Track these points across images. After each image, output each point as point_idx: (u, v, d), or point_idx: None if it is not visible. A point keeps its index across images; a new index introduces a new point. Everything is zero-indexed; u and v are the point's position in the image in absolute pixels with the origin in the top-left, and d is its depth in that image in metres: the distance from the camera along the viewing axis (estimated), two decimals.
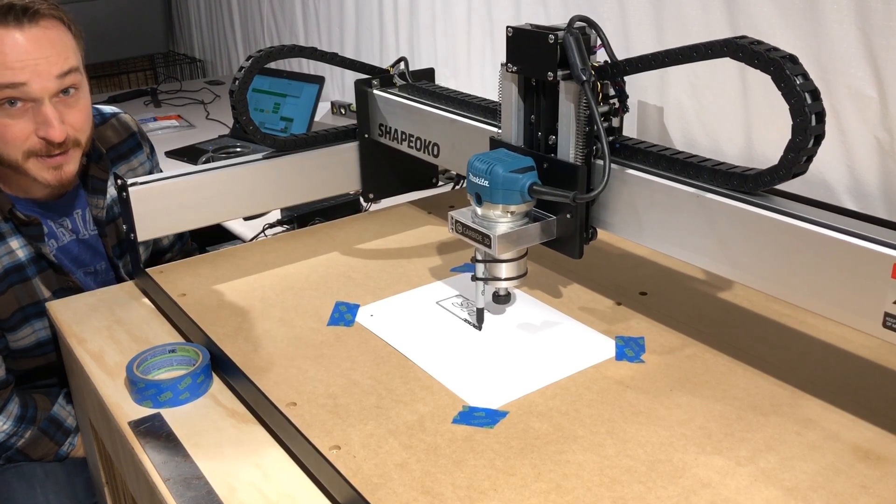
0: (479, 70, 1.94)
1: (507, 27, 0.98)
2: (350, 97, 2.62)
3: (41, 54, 1.14)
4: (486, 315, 1.05)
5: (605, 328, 1.03)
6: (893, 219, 0.80)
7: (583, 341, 1.01)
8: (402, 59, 1.37)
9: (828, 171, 1.19)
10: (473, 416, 0.86)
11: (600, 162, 0.94)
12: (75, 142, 1.21)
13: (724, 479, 0.76)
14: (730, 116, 1.32)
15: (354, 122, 1.38)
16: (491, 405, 0.88)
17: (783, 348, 0.97)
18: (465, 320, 1.06)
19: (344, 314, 1.08)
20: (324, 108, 2.48)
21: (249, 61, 1.20)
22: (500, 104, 1.05)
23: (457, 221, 1.01)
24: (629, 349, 0.98)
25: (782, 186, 0.84)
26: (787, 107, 0.76)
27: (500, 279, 1.01)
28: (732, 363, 0.95)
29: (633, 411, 0.86)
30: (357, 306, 1.10)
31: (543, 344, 1.00)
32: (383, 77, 1.36)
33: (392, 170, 1.41)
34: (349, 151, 1.37)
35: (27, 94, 1.14)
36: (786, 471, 0.77)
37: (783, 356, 0.96)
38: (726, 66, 1.29)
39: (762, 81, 1.24)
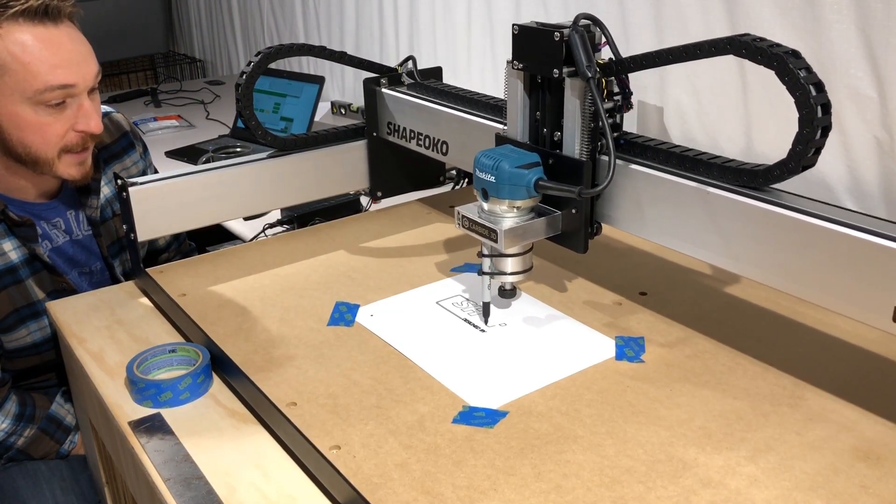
0: (479, 70, 1.94)
1: (513, 25, 0.98)
2: (350, 97, 2.64)
3: (80, 53, 1.17)
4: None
5: (605, 328, 1.03)
6: (894, 219, 0.79)
7: (583, 341, 1.01)
8: (410, 57, 1.37)
9: (828, 171, 1.19)
10: (473, 416, 0.86)
11: (605, 158, 0.95)
12: (95, 137, 1.23)
13: (724, 479, 0.76)
14: (729, 116, 1.32)
15: (355, 121, 1.38)
16: (491, 405, 0.88)
17: (783, 348, 0.97)
18: (465, 320, 1.06)
19: (344, 314, 1.08)
20: (324, 108, 2.48)
21: (259, 56, 1.19)
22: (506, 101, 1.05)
23: (463, 217, 1.01)
24: (629, 349, 0.98)
25: (784, 186, 0.84)
26: (787, 106, 0.76)
27: (505, 273, 1.02)
28: (732, 363, 0.95)
29: (633, 411, 0.86)
30: (357, 306, 1.10)
31: (543, 344, 1.00)
32: (391, 76, 1.37)
33: (399, 168, 1.41)
34: (356, 150, 1.38)
35: (73, 94, 1.17)
36: (786, 471, 0.77)
37: (783, 356, 0.96)
38: (726, 66, 1.29)
39: (762, 82, 1.24)
